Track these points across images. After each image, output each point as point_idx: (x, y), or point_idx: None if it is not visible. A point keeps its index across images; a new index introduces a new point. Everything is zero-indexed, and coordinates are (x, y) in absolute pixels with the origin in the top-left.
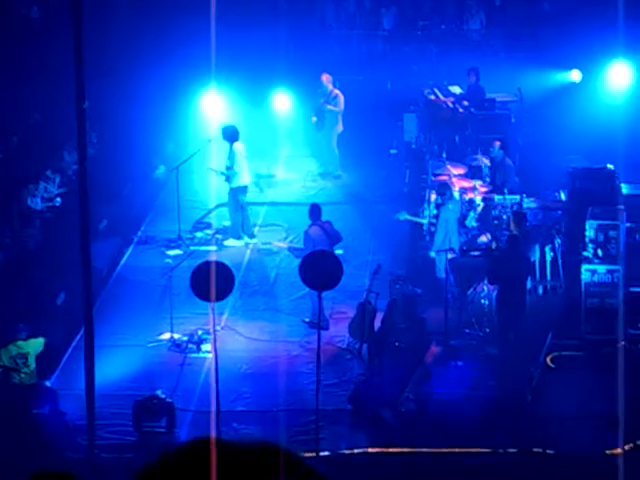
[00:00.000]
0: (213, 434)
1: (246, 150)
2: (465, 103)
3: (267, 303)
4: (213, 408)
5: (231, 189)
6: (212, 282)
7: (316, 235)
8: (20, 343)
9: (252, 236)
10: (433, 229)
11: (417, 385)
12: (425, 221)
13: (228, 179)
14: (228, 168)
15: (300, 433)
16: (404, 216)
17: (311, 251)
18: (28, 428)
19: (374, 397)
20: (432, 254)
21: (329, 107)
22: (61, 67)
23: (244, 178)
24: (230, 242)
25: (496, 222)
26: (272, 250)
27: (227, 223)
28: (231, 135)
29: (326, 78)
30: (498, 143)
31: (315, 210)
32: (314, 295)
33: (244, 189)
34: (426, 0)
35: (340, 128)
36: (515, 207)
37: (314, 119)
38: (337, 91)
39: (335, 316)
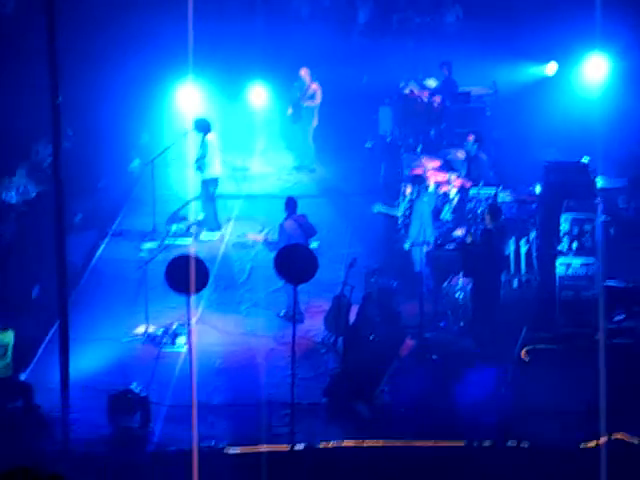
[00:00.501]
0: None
1: (220, 142)
2: (437, 98)
3: (242, 296)
4: (187, 402)
5: (203, 181)
6: (190, 275)
7: (291, 229)
8: (9, 332)
9: (219, 228)
10: (408, 222)
11: (392, 378)
12: (399, 214)
13: (200, 169)
14: (199, 159)
15: (275, 426)
16: (378, 208)
17: (286, 244)
18: (2, 422)
19: (349, 390)
20: (406, 246)
21: (307, 103)
22: (35, 60)
23: (215, 169)
24: (205, 235)
25: (470, 215)
26: (247, 243)
27: (201, 216)
28: (203, 126)
29: (304, 72)
30: (472, 137)
31: (291, 203)
32: (289, 288)
33: (215, 181)
34: None
35: (315, 122)
36: (490, 200)
37: (290, 111)
38: (315, 85)
39: (310, 309)
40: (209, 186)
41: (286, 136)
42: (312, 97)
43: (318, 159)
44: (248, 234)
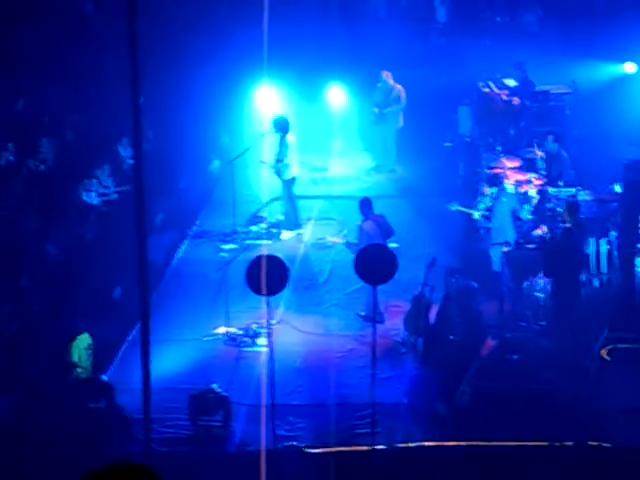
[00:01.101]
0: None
1: (298, 143)
2: (516, 98)
3: (322, 297)
4: (264, 401)
5: (284, 181)
6: (266, 276)
7: (370, 229)
8: (85, 335)
9: (300, 227)
10: (487, 222)
11: (473, 379)
12: (477, 213)
13: (278, 172)
14: (279, 160)
15: (355, 427)
16: (455, 207)
17: (366, 245)
18: (85, 422)
19: (430, 391)
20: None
21: (392, 107)
22: (117, 62)
23: (294, 170)
24: (286, 235)
25: (550, 214)
26: (326, 244)
27: (281, 217)
28: (282, 126)
29: (386, 74)
30: (552, 136)
31: (366, 204)
32: (369, 289)
33: (294, 180)
34: None
35: (401, 123)
36: (570, 199)
37: (376, 110)
38: (399, 86)
39: (390, 310)
40: (290, 186)
41: (364, 137)
42: (397, 99)
43: (400, 158)
44: (327, 237)
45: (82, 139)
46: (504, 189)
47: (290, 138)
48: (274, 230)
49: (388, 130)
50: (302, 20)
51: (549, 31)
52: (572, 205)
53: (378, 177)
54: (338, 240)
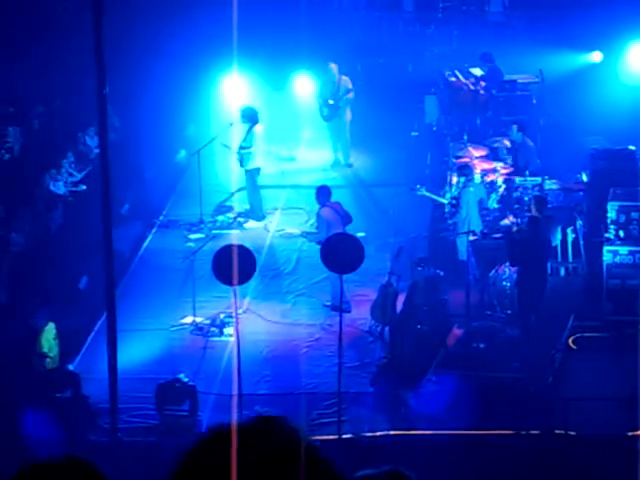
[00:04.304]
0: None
1: (266, 132)
2: (482, 84)
3: (289, 286)
4: (235, 391)
5: (247, 171)
6: (234, 265)
7: (328, 216)
8: (52, 325)
9: (264, 218)
10: (454, 211)
11: (439, 367)
12: (445, 201)
13: (241, 160)
14: (243, 148)
15: (322, 416)
16: (422, 192)
17: (333, 234)
18: (51, 412)
19: (396, 380)
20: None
21: (349, 96)
22: (83, 52)
23: (258, 160)
24: (251, 224)
25: (517, 204)
26: (293, 234)
27: (247, 206)
28: (251, 116)
29: (334, 66)
30: (516, 126)
31: (323, 192)
32: (335, 278)
33: (258, 170)
34: None
35: (350, 116)
36: (537, 189)
37: (331, 101)
38: (345, 77)
39: (357, 299)
40: (253, 176)
41: (331, 126)
42: (348, 91)
43: (365, 148)
44: (286, 228)
45: (48, 129)
46: (471, 178)
47: (258, 128)
48: (241, 220)
49: (342, 124)
50: (269, 7)
51: (515, 20)
52: (540, 199)
53: (342, 169)
54: (297, 231)
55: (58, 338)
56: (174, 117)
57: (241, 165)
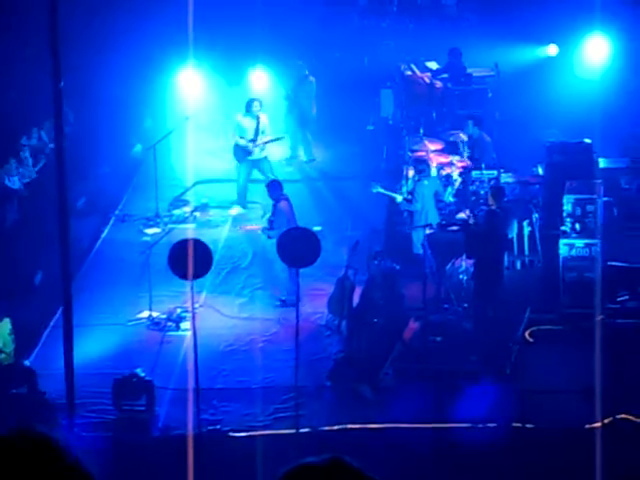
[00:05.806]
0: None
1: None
2: (445, 76)
3: (245, 281)
4: (192, 386)
5: (253, 161)
6: (190, 260)
7: (286, 208)
8: (7, 320)
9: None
10: (410, 205)
11: (396, 361)
12: (399, 197)
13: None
14: (252, 140)
15: (280, 410)
16: (377, 189)
17: (289, 228)
18: (7, 408)
19: (353, 373)
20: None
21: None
22: (38, 45)
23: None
24: (234, 211)
25: (474, 197)
26: (251, 229)
27: (204, 200)
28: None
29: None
30: (471, 121)
31: (275, 186)
32: (292, 272)
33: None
34: None
35: (314, 111)
36: (493, 182)
37: (288, 96)
38: (311, 77)
39: (313, 293)
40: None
41: (288, 121)
42: (311, 85)
43: (321, 142)
44: (241, 226)
45: (2, 123)
46: (427, 172)
47: (263, 118)
48: (197, 214)
49: (303, 119)
50: (224, 3)
51: (470, 13)
52: (496, 189)
53: (301, 162)
54: (255, 227)
55: (13, 334)
56: (130, 111)
57: (247, 156)
